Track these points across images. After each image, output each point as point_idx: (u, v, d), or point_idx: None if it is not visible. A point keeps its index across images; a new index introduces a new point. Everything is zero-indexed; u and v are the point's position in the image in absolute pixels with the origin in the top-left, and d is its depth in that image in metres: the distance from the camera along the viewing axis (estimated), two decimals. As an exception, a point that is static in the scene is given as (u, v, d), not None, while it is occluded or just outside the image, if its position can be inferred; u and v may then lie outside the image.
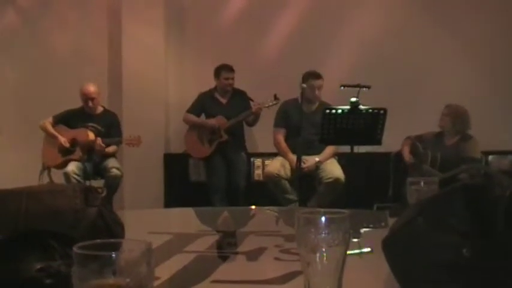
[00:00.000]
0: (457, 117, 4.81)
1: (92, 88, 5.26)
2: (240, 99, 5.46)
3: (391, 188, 5.01)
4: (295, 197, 4.76)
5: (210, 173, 5.46)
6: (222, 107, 5.43)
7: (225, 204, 5.16)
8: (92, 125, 5.22)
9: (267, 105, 5.20)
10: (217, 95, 5.48)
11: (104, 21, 6.35)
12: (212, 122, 5.34)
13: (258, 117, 5.32)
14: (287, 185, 4.82)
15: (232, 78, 5.42)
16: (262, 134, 5.46)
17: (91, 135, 5.14)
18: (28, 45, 6.28)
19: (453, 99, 5.22)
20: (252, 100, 5.40)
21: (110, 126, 5.30)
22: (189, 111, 5.50)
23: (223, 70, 5.42)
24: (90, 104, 5.25)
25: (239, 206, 4.89)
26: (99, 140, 5.08)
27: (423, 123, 5.07)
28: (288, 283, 1.38)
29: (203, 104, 5.48)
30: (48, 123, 5.25)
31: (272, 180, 4.81)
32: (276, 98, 5.18)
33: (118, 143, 5.29)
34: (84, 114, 5.29)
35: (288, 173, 4.84)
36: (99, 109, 5.37)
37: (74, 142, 5.17)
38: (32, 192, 1.17)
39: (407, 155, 4.87)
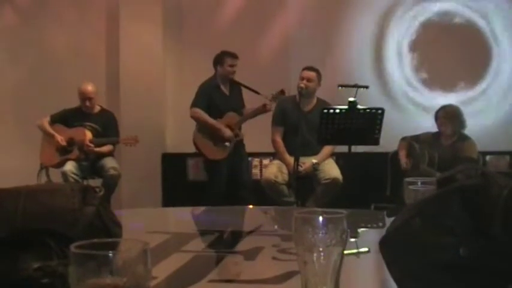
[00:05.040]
0: (454, 118, 4.82)
1: (90, 88, 5.25)
2: (237, 88, 5.22)
3: (388, 188, 5.02)
4: (293, 200, 4.74)
5: (213, 171, 5.17)
6: (227, 99, 5.14)
7: (224, 204, 5.07)
8: (89, 124, 5.22)
9: (276, 100, 4.93)
10: (221, 85, 5.14)
11: (101, 19, 6.34)
12: (227, 133, 4.98)
13: (266, 112, 5.06)
14: (285, 189, 4.78)
15: (236, 66, 5.12)
16: (260, 133, 5.39)
17: (88, 135, 5.14)
18: (26, 44, 6.27)
19: (449, 99, 5.24)
20: (258, 92, 5.08)
21: (107, 125, 5.30)
22: (196, 105, 5.03)
23: (228, 57, 5.07)
24: (88, 103, 5.24)
25: (239, 204, 4.86)
26: (86, 141, 5.08)
27: (420, 123, 5.07)
28: (285, 283, 1.38)
29: (209, 96, 5.08)
30: (45, 122, 5.24)
31: (270, 186, 4.77)
32: (283, 92, 4.99)
33: (115, 143, 5.28)
34: (82, 113, 5.28)
35: (286, 177, 4.77)
36: (97, 108, 5.37)
37: (71, 141, 5.16)
38: (30, 191, 1.17)
39: (404, 160, 4.87)
